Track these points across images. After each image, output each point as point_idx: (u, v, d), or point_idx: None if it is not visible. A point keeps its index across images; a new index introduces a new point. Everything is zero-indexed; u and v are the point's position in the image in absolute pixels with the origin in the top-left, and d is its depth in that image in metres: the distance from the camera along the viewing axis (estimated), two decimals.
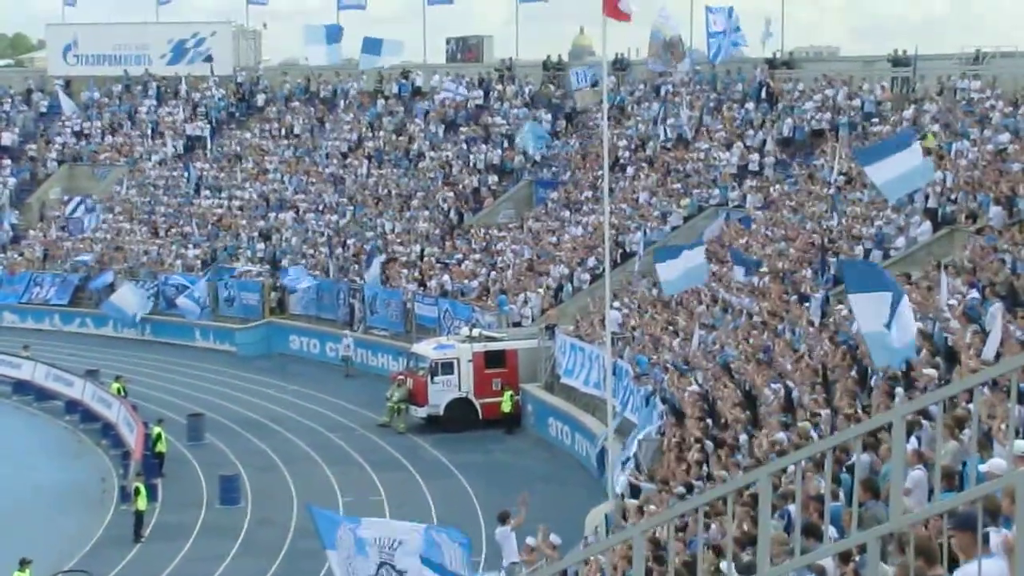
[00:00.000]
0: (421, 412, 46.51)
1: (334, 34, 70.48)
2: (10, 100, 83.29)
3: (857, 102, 54.69)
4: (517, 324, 50.50)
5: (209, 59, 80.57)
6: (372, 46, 65.66)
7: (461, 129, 68.52)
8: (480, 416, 46.50)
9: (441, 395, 46.38)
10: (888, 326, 19.80)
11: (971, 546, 8.49)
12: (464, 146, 66.87)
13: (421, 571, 18.09)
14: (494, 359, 46.88)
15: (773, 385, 29.16)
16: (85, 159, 78.26)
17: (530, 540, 26.21)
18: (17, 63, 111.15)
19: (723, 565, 10.93)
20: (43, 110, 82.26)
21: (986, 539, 8.94)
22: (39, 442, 46.42)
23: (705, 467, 26.00)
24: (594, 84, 58.75)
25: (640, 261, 48.83)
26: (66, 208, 72.69)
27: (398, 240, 61.08)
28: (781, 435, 24.04)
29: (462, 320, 51.35)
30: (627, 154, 59.50)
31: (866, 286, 20.26)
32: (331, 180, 68.73)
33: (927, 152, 44.88)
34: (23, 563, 29.79)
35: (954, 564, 8.98)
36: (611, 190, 44.60)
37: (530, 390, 46.55)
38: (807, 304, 35.13)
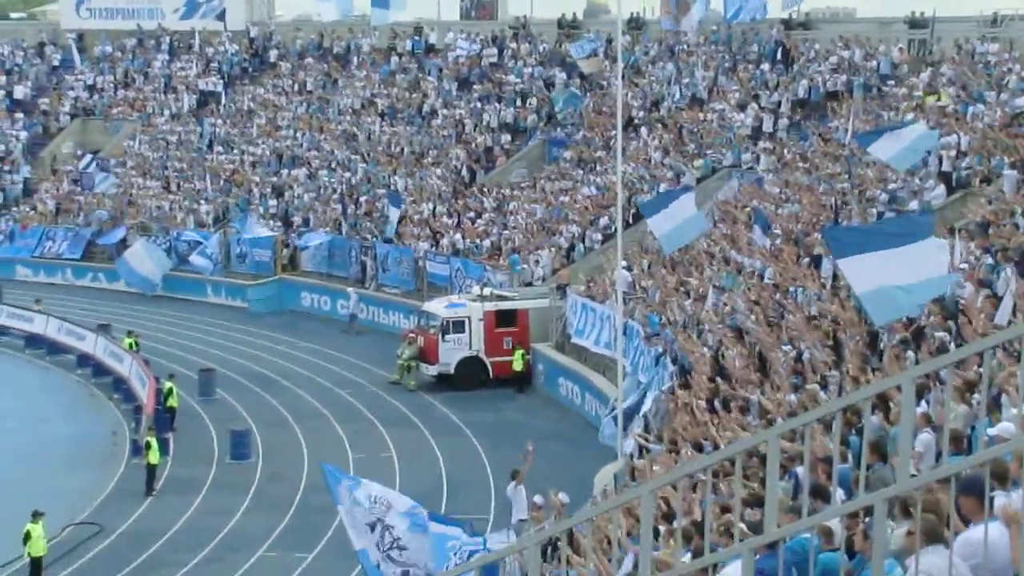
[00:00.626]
0: (432, 370, 46.63)
1: None
2: (23, 53, 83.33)
3: (873, 63, 54.51)
4: (528, 284, 50.53)
5: (222, 14, 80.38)
6: (381, 1, 65.59)
7: (474, 87, 68.39)
8: (491, 375, 46.62)
9: (452, 353, 46.49)
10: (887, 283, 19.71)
11: (977, 511, 8.55)
12: (477, 104, 66.76)
13: (412, 534, 18.41)
14: (505, 318, 46.95)
15: (784, 347, 29.20)
16: (98, 113, 78.26)
17: (538, 498, 26.36)
18: (30, 16, 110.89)
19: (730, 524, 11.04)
20: (56, 64, 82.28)
21: (992, 503, 9.00)
22: (51, 396, 46.68)
23: (714, 428, 26.07)
24: (592, 55, 59.17)
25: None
26: (79, 163, 72.75)
27: (411, 197, 61.06)
28: (791, 396, 24.11)
29: (474, 279, 51.39)
30: (641, 114, 59.38)
31: (851, 249, 20.27)
32: (344, 137, 68.69)
33: (940, 111, 44.91)
34: (35, 515, 30.00)
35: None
36: (624, 150, 44.55)
37: (541, 349, 46.64)
38: (817, 266, 35.12)
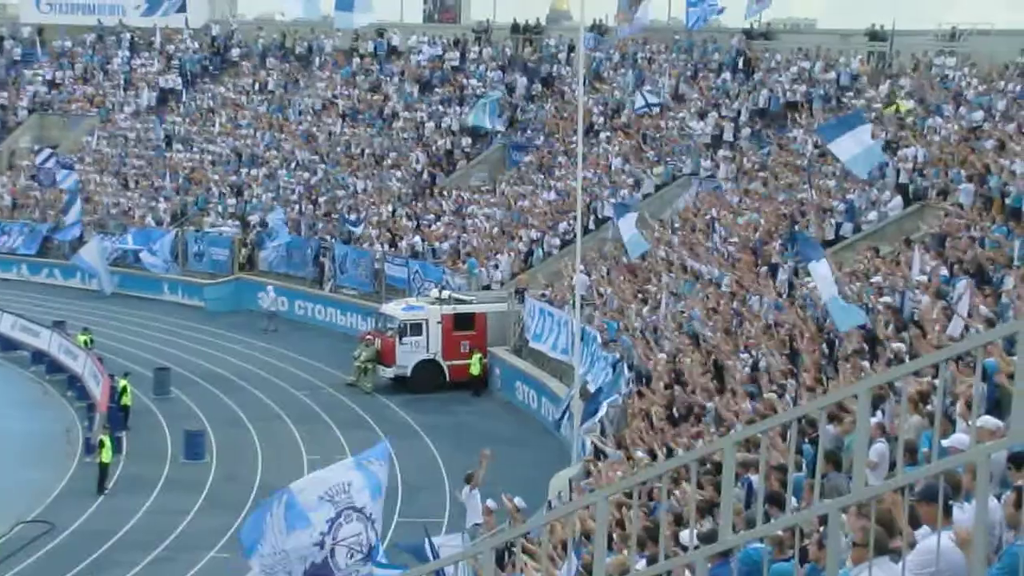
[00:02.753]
0: (389, 372, 46.57)
1: None
2: None
3: (833, 75, 54.79)
4: (487, 287, 50.56)
5: (183, 6, 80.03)
6: (345, 3, 65.14)
7: (436, 90, 68.37)
8: (448, 378, 46.57)
9: (409, 356, 46.43)
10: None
11: (933, 518, 8.60)
12: (438, 107, 66.74)
13: (375, 501, 17.53)
14: (463, 321, 46.93)
15: (741, 355, 29.30)
16: (56, 108, 77.77)
17: (490, 503, 26.32)
18: None
19: (683, 534, 11.05)
20: (15, 58, 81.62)
21: (948, 512, 9.06)
22: (4, 392, 46.27)
23: (669, 434, 26.13)
24: None
25: (613, 227, 48.86)
26: (36, 158, 72.27)
27: (370, 199, 60.96)
28: (747, 404, 24.19)
29: (432, 282, 51.34)
30: (602, 120, 59.48)
31: (817, 254, 20.50)
32: (304, 137, 68.53)
33: (899, 120, 45.20)
34: None
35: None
36: (585, 156, 44.59)
37: (498, 353, 46.63)
38: (774, 275, 35.30)
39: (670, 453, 23.37)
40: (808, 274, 30.05)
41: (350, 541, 16.77)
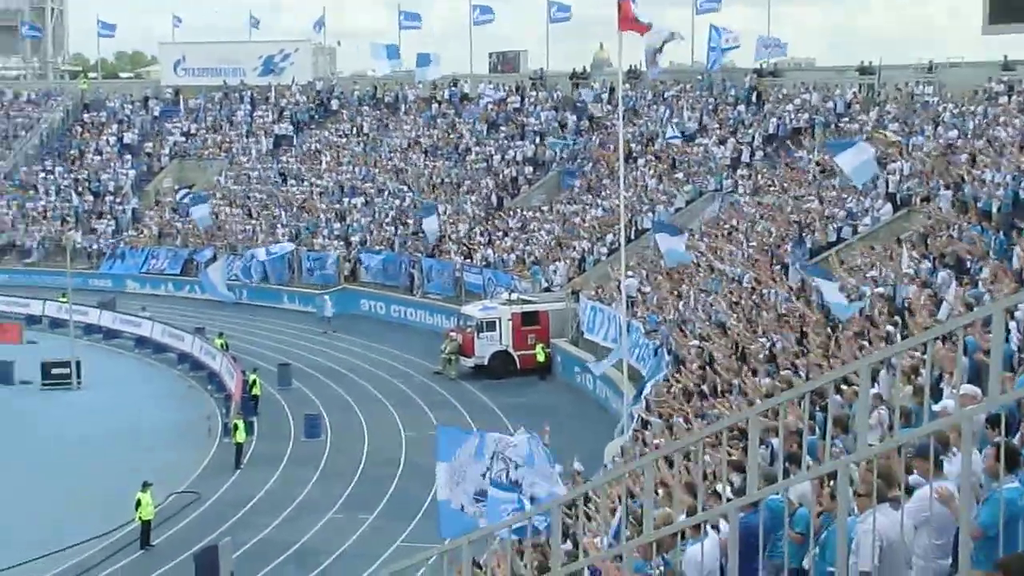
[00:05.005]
0: (469, 362, 46.64)
1: (393, 52, 70.72)
2: (131, 106, 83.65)
3: (831, 104, 54.38)
4: (548, 289, 50.53)
5: (292, 71, 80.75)
6: (423, 60, 66.77)
7: (501, 128, 68.43)
8: (518, 366, 46.57)
9: (486, 348, 46.48)
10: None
11: (927, 470, 8.55)
12: (504, 142, 66.79)
13: (528, 463, 18.70)
14: (529, 318, 46.93)
15: (760, 339, 29.11)
16: (192, 154, 78.56)
17: (578, 465, 26.16)
18: (136, 75, 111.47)
19: (719, 487, 11.01)
20: (157, 114, 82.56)
21: (939, 465, 8.99)
22: (156, 387, 46.81)
23: (703, 407, 25.99)
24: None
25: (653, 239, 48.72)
26: (177, 195, 73.15)
27: (450, 220, 61.11)
28: (767, 381, 24.02)
29: (503, 286, 51.39)
30: (639, 147, 59.28)
31: (819, 273, 20.55)
32: (394, 171, 68.77)
33: (886, 143, 44.77)
34: (145, 485, 30.10)
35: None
36: (625, 178, 44.48)
37: (559, 344, 46.59)
38: (786, 272, 35.04)
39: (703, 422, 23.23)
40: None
41: (497, 475, 18.44)
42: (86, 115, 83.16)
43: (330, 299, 57.48)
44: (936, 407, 11.29)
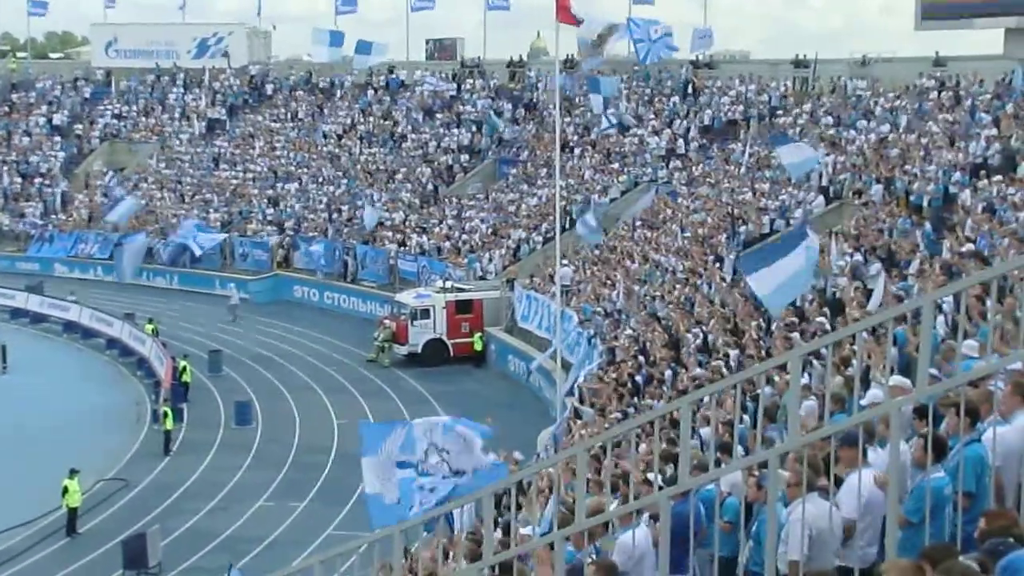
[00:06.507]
0: (403, 350, 46.53)
1: (337, 39, 70.17)
2: (60, 87, 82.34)
3: (765, 97, 54.81)
4: (482, 278, 50.51)
5: (227, 54, 79.87)
6: (364, 47, 66.08)
7: (437, 116, 68.23)
8: (451, 354, 46.54)
9: (419, 336, 46.39)
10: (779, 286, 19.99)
11: (854, 460, 8.64)
12: (440, 130, 66.61)
13: (461, 442, 18.42)
14: (463, 306, 46.90)
15: (693, 330, 29.31)
16: (123, 137, 77.51)
17: (517, 455, 26.16)
18: (66, 56, 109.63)
19: (650, 476, 11.06)
20: (87, 96, 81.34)
21: (865, 454, 9.09)
22: (85, 372, 46.23)
23: (636, 397, 26.14)
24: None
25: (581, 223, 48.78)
26: (106, 178, 72.13)
27: (385, 208, 60.86)
28: (699, 371, 24.20)
29: (437, 274, 51.28)
30: (575, 138, 59.40)
31: (755, 267, 20.46)
32: (329, 157, 68.36)
33: (819, 136, 45.25)
34: (72, 472, 29.78)
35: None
36: (561, 167, 44.55)
37: (493, 332, 46.61)
38: (720, 264, 35.31)
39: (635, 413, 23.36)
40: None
41: (433, 468, 17.78)
42: (14, 95, 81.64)
43: (236, 287, 56.83)
44: (865, 399, 11.42)
